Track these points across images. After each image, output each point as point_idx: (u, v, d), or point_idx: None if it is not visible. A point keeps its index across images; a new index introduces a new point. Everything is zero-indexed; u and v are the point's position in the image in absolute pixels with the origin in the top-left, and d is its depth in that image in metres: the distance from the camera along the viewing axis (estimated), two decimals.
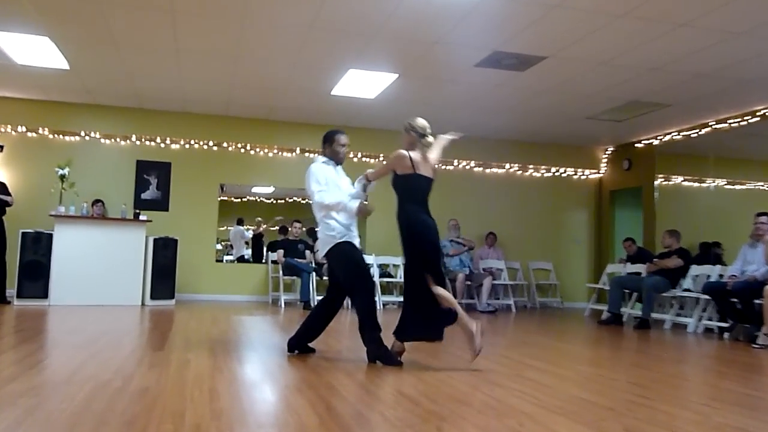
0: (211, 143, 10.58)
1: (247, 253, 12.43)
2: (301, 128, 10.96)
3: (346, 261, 4.63)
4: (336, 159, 4.87)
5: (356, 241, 4.72)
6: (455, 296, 9.83)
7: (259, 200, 11.84)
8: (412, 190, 4.49)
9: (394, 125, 10.86)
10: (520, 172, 11.99)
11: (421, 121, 4.60)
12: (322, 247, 4.70)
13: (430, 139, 4.60)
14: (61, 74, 8.58)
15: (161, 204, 10.30)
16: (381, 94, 8.99)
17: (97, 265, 8.61)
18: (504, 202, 11.79)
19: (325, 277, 9.57)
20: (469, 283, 10.23)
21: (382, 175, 4.71)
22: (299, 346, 4.92)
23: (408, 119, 4.61)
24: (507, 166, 11.86)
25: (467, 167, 11.69)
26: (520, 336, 6.95)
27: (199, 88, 9.11)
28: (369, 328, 4.53)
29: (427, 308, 4.35)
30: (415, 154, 4.51)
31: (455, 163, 11.60)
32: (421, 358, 4.88)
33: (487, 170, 11.81)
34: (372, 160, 11.19)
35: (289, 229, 10.51)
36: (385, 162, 4.97)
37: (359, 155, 11.10)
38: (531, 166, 11.98)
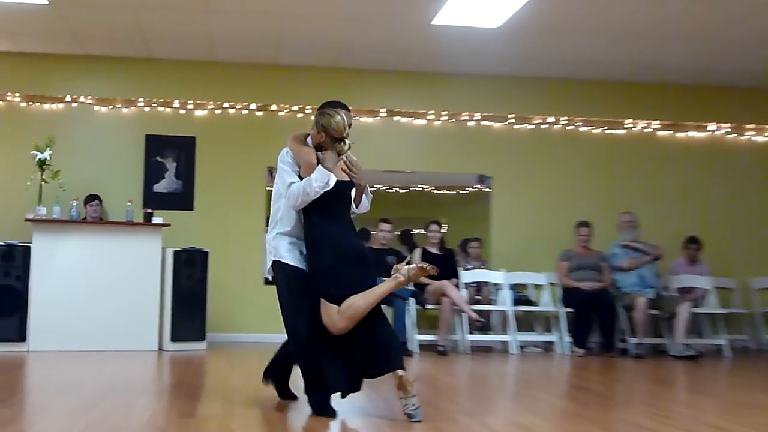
0: (253, 106, 10.74)
1: None
2: (387, 79, 11.02)
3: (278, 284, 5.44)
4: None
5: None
6: (633, 332, 9.63)
7: None
8: None
9: (527, 69, 10.73)
10: (733, 134, 11.60)
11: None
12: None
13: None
14: (37, 11, 8.89)
15: (183, 199, 10.53)
16: (509, 20, 8.93)
17: (94, 293, 8.91)
18: (704, 183, 11.42)
19: (429, 306, 9.58)
20: (655, 312, 9.96)
21: None
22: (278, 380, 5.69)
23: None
24: (713, 126, 11.48)
25: (645, 129, 11.41)
26: (738, 396, 6.74)
27: (233, 25, 9.27)
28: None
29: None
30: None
31: (629, 123, 11.33)
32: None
33: (680, 133, 11.47)
34: (496, 124, 11.12)
35: (373, 232, 10.54)
36: None
37: (477, 116, 11.06)
38: (751, 126, 11.56)
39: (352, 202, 5.42)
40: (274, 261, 5.32)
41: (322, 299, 5.04)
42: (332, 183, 5.18)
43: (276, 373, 5.73)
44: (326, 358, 5.06)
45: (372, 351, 5.05)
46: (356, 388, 5.20)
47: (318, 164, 5.21)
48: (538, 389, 6.90)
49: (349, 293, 4.99)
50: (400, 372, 4.89)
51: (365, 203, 5.50)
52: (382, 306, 9.40)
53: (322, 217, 5.18)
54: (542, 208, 11.08)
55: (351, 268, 5.10)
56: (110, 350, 8.71)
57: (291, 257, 5.27)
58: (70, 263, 8.91)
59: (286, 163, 5.37)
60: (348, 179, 5.34)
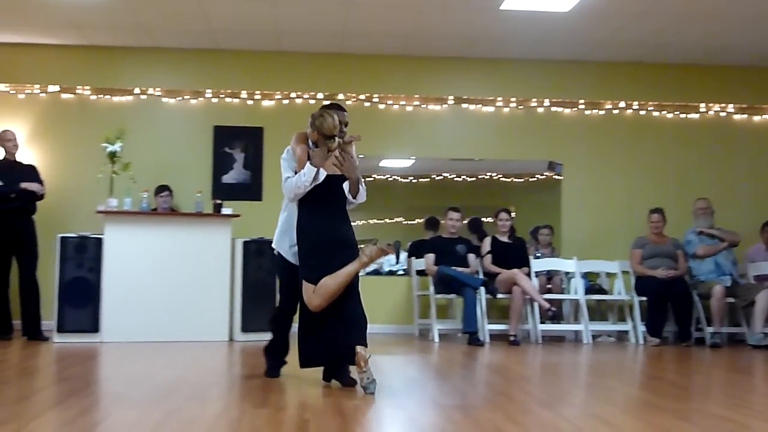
0: (320, 95, 10.77)
1: (388, 259, 12.47)
2: (455, 65, 10.96)
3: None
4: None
5: None
6: (709, 321, 9.47)
7: (391, 179, 11.90)
8: None
9: (597, 53, 10.58)
10: None
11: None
12: None
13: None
14: (106, 4, 9.04)
15: (251, 190, 10.62)
16: (580, 4, 8.81)
17: (165, 283, 9.02)
18: None
19: (499, 295, 9.53)
20: (732, 300, 9.76)
21: None
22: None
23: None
24: None
25: (719, 113, 11.18)
26: None
27: (299, 14, 9.30)
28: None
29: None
30: None
31: (703, 108, 11.12)
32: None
33: (756, 117, 11.22)
34: (567, 110, 11.01)
35: (442, 222, 10.50)
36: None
37: (546, 102, 10.95)
38: None
39: (348, 194, 5.91)
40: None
41: (303, 280, 5.76)
42: (321, 178, 5.76)
43: (325, 360, 6.03)
44: (304, 333, 5.88)
45: (338, 326, 5.69)
46: (328, 362, 5.93)
47: (308, 161, 5.80)
48: (613, 379, 6.82)
49: (324, 275, 5.64)
50: (358, 348, 5.49)
51: (362, 193, 5.96)
52: (454, 296, 9.53)
53: (311, 209, 5.85)
54: (614, 195, 10.94)
55: (328, 254, 5.70)
56: (181, 341, 8.81)
57: (278, 245, 6.12)
58: (141, 254, 9.03)
59: (285, 160, 5.97)
60: (340, 173, 5.86)
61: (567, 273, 10.37)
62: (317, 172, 5.74)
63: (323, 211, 5.88)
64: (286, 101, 10.79)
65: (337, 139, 5.91)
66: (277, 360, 6.35)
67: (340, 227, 5.93)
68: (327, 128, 5.85)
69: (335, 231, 5.88)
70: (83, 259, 8.92)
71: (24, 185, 8.93)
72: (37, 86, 10.52)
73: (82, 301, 8.85)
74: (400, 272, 11.09)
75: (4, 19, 9.56)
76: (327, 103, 6.15)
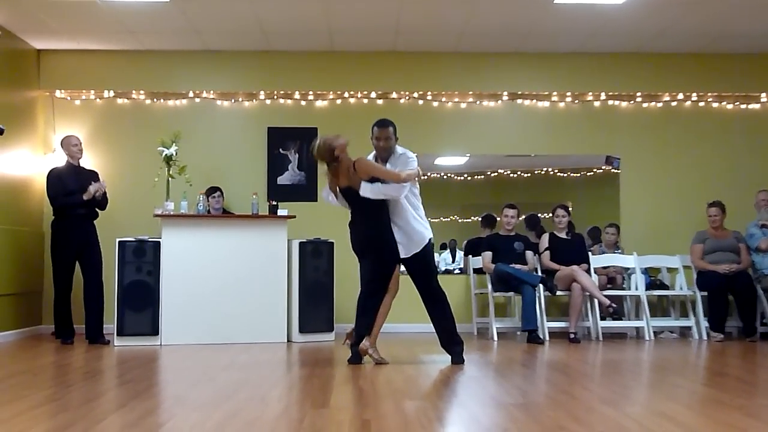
0: (373, 95, 10.84)
1: (444, 258, 12.49)
2: (508, 61, 10.95)
3: (433, 262, 7.49)
4: (378, 154, 7.33)
5: None
6: None
7: (446, 177, 11.90)
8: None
9: (654, 44, 10.47)
10: None
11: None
12: (414, 244, 7.16)
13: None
14: (158, 8, 9.18)
15: (306, 191, 10.68)
16: None
17: (223, 286, 9.12)
18: None
19: (558, 292, 9.49)
20: None
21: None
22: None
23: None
24: None
25: None
26: None
27: (351, 13, 9.36)
28: (460, 341, 7.34)
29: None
30: None
31: (765, 98, 10.96)
32: None
33: None
34: (623, 103, 10.93)
35: (498, 219, 10.48)
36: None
37: (602, 96, 10.88)
38: None
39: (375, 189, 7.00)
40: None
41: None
42: (333, 201, 7.33)
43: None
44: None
45: None
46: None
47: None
48: (677, 376, 6.75)
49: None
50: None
51: (368, 189, 6.98)
52: (512, 294, 9.52)
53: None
54: (674, 188, 10.84)
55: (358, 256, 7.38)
56: (240, 343, 8.90)
57: None
58: (198, 257, 9.14)
59: None
60: (349, 184, 7.05)
61: (627, 269, 10.28)
62: (329, 197, 7.29)
63: (353, 221, 7.28)
64: (339, 101, 10.86)
65: (333, 164, 7.08)
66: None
67: (362, 227, 7.18)
68: (315, 157, 7.19)
69: (357, 237, 7.22)
70: (142, 262, 9.03)
71: (92, 188, 8.98)
72: (93, 92, 10.71)
73: (141, 304, 8.97)
74: (457, 271, 11.11)
75: (57, 25, 9.72)
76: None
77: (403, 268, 7.39)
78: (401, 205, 7.10)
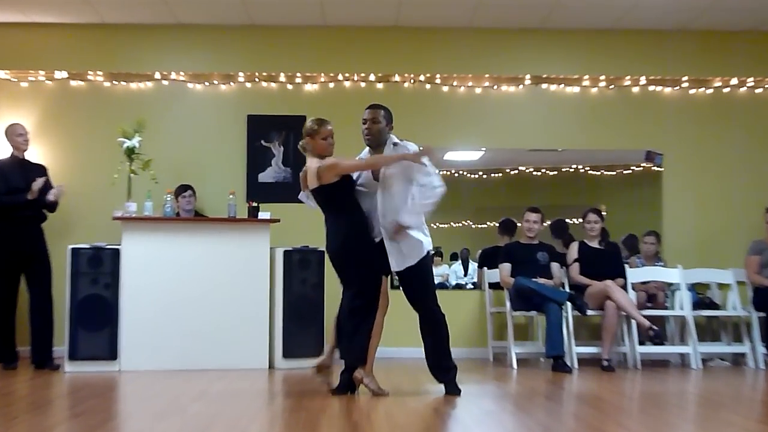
0: (372, 77, 10.81)
1: (455, 270, 12.45)
2: (531, 39, 10.95)
3: (431, 278, 7.39)
4: (365, 140, 7.40)
5: None
6: None
7: (458, 175, 11.89)
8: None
9: (703, 20, 10.46)
10: None
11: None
12: (412, 255, 7.13)
13: None
14: None
15: (293, 190, 10.40)
16: None
17: (193, 301, 9.07)
18: None
19: (589, 311, 9.47)
20: None
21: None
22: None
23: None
24: None
25: None
26: None
27: None
28: (453, 365, 7.34)
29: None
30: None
31: None
32: None
33: None
34: (667, 89, 10.91)
35: (519, 225, 10.45)
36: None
37: (642, 81, 10.88)
38: None
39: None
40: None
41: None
42: (309, 203, 7.54)
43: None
44: None
45: None
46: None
47: None
48: (729, 411, 6.75)
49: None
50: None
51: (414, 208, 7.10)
52: (535, 313, 9.52)
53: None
54: (726, 190, 10.83)
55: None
56: (213, 369, 8.85)
57: None
58: (165, 267, 9.08)
59: None
60: (320, 184, 7.15)
61: (670, 284, 10.25)
62: (308, 199, 7.48)
63: (326, 228, 7.37)
64: (332, 85, 10.83)
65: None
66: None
67: (333, 241, 7.25)
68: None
69: (330, 247, 7.29)
70: (98, 273, 8.97)
71: (51, 197, 9.03)
72: (42, 73, 10.66)
73: (97, 323, 8.90)
74: (470, 286, 11.08)
75: None
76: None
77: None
78: (393, 205, 7.08)
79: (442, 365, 7.27)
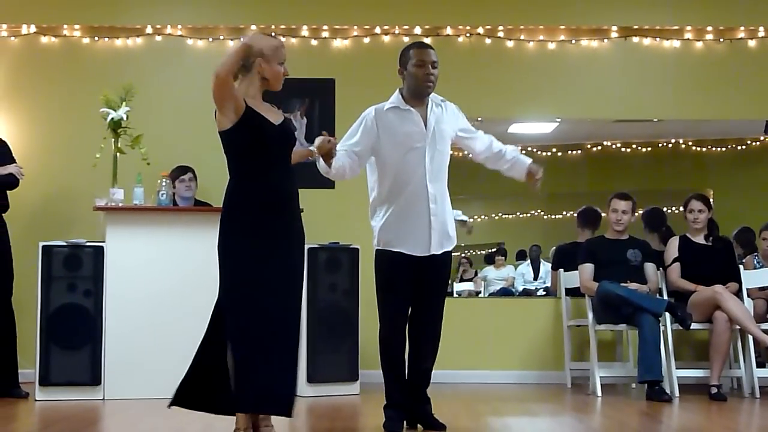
0: (417, 30, 10.76)
1: (522, 272, 12.42)
2: None
3: None
4: (416, 89, 7.25)
5: None
6: None
7: (526, 152, 11.78)
8: None
9: None
10: None
11: None
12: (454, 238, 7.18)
13: None
14: None
15: (319, 172, 10.55)
16: None
17: (194, 312, 8.80)
18: None
19: (694, 325, 9.35)
20: None
21: None
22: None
23: None
24: None
25: None
26: None
27: None
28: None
29: None
30: None
31: None
32: None
33: None
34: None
35: (604, 215, 10.38)
36: None
37: (761, 32, 10.78)
38: None
39: None
40: None
41: None
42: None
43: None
44: None
45: None
46: None
47: None
48: None
49: None
50: None
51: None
52: (624, 327, 9.49)
53: None
54: None
55: None
56: None
57: None
58: (159, 270, 9.04)
59: None
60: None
61: None
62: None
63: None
64: (367, 40, 10.83)
65: None
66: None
67: None
68: None
69: None
70: (76, 278, 8.93)
71: (11, 169, 8.99)
72: (5, 27, 10.68)
73: (75, 340, 8.86)
74: (541, 292, 11.03)
75: None
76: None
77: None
78: (443, 166, 7.13)
79: (424, 395, 7.15)
